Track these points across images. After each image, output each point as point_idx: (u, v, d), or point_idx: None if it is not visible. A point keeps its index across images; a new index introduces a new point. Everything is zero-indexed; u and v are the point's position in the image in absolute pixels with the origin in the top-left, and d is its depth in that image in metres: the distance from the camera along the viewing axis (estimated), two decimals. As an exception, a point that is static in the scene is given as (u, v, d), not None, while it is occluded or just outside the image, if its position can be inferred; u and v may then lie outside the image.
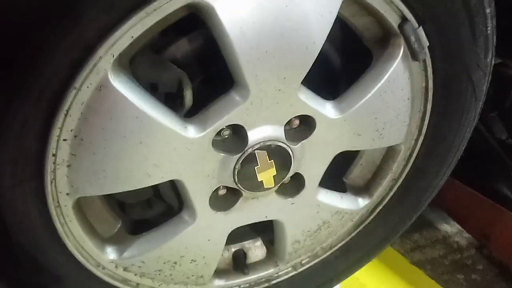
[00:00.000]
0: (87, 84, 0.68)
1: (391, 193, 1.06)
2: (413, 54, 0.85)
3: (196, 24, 0.75)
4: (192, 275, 0.96)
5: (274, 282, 1.09)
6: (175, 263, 0.92)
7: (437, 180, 1.08)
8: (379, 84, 0.85)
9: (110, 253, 0.87)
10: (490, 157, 1.41)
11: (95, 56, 0.66)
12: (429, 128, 0.98)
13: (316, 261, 1.10)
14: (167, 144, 0.76)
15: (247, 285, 1.07)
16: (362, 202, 1.05)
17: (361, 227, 1.09)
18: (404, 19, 0.81)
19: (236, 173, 0.83)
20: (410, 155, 1.01)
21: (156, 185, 0.85)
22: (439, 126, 0.98)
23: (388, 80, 0.85)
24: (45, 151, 0.70)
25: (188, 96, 0.79)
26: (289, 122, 0.84)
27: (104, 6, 0.63)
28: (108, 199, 0.87)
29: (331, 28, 0.76)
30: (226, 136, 0.81)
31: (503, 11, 0.90)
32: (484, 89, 0.96)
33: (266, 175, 0.86)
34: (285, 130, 0.84)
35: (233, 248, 1.08)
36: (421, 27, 0.82)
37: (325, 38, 0.76)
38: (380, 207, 1.08)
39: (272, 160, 0.84)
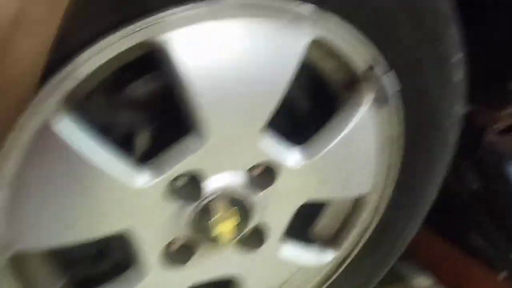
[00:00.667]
0: (28, 126, 0.62)
1: (360, 245, 1.00)
2: (381, 100, 0.82)
3: (158, 64, 0.70)
4: None
5: None
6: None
7: (407, 232, 1.03)
8: (346, 131, 0.81)
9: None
10: (462, 207, 1.38)
11: (36, 97, 0.61)
12: (398, 178, 0.93)
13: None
14: (114, 193, 0.69)
15: None
16: (329, 255, 0.99)
17: (328, 283, 1.02)
18: (373, 64, 0.79)
19: (192, 224, 0.76)
20: (379, 206, 0.96)
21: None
22: (408, 176, 0.94)
23: (355, 126, 0.81)
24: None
25: (142, 141, 0.73)
26: (251, 170, 0.78)
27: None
28: (49, 254, 0.79)
29: (297, 71, 0.73)
30: (182, 185, 0.74)
31: (476, 56, 0.88)
32: (455, 137, 0.93)
33: (225, 226, 0.78)
34: (246, 179, 0.78)
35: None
36: (390, 73, 0.79)
37: (288, 82, 0.71)
38: (348, 260, 1.01)
39: (231, 210, 0.77)
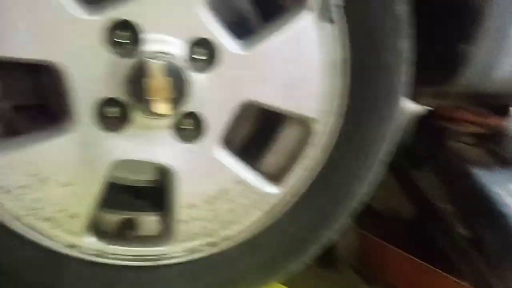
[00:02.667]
0: None
1: (306, 186, 0.98)
2: (323, 12, 0.87)
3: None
4: (63, 210, 0.86)
5: (162, 263, 0.95)
6: (43, 177, 0.82)
7: (359, 179, 1.00)
8: (287, 32, 0.86)
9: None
10: (432, 220, 1.32)
11: None
12: (347, 111, 0.94)
13: (215, 250, 0.98)
14: (52, 14, 0.75)
15: (129, 257, 0.94)
16: (271, 189, 0.97)
17: (270, 222, 0.99)
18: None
19: (127, 82, 0.80)
20: (327, 141, 0.96)
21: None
22: (358, 110, 0.95)
23: (296, 32, 0.86)
24: None
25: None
26: (192, 46, 0.83)
27: None
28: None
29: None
30: (121, 38, 0.79)
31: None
32: (401, 77, 0.94)
33: (157, 92, 0.81)
34: (186, 52, 0.82)
35: (124, 216, 0.97)
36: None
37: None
38: (293, 200, 0.99)
39: (167, 78, 0.81)
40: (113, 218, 0.96)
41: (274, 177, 0.99)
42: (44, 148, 0.82)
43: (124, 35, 0.79)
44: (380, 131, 0.98)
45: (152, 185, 1.00)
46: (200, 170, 0.90)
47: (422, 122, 1.34)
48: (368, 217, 1.28)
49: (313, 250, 1.05)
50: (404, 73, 0.94)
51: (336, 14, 0.88)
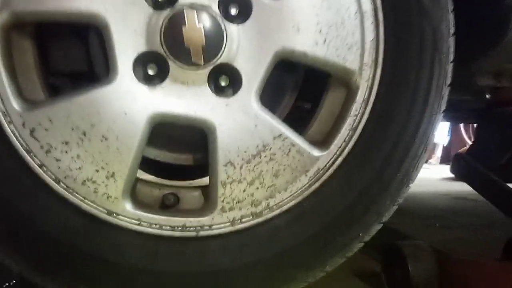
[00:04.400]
0: None
1: (351, 145, 0.92)
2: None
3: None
4: (101, 168, 0.84)
5: (204, 233, 0.89)
6: (84, 134, 0.83)
7: (406, 135, 0.93)
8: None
9: (19, 103, 0.83)
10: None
11: None
12: (386, 62, 0.91)
13: (259, 220, 0.91)
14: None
15: (169, 227, 0.89)
16: (316, 152, 0.92)
17: (316, 185, 0.92)
18: None
19: (163, 31, 0.83)
20: (369, 95, 0.92)
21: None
22: (397, 60, 0.91)
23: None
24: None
25: None
26: (226, 0, 0.85)
27: None
28: (39, 60, 0.88)
29: None
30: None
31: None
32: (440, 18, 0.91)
33: (194, 41, 0.83)
34: (221, 4, 0.85)
35: (166, 191, 0.95)
36: None
37: None
38: (338, 161, 0.92)
39: (201, 26, 0.83)
40: (155, 193, 0.95)
41: (321, 142, 0.95)
42: (84, 99, 0.83)
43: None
44: (422, 78, 0.92)
45: (192, 164, 0.99)
46: (238, 124, 0.88)
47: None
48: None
49: (368, 221, 0.95)
50: (443, 18, 0.92)
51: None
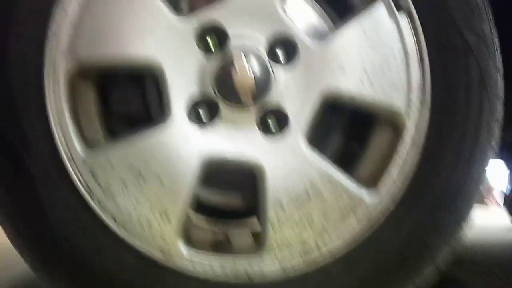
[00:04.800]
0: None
1: (401, 186, 0.92)
2: (394, 1, 0.91)
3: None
4: (155, 209, 0.88)
5: (256, 281, 0.90)
6: (140, 174, 0.87)
7: (457, 175, 0.92)
8: (360, 20, 0.91)
9: (82, 147, 0.89)
10: None
11: None
12: (433, 101, 0.92)
13: (311, 267, 0.91)
14: (152, 17, 0.87)
15: (220, 269, 0.90)
16: (365, 193, 0.92)
17: (367, 227, 0.91)
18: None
19: (214, 75, 0.88)
20: (417, 135, 0.92)
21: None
22: (444, 99, 0.92)
23: (370, 18, 0.91)
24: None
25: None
26: (274, 43, 0.90)
27: None
28: (100, 105, 0.94)
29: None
30: (208, 38, 0.89)
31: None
32: (487, 57, 0.91)
33: (243, 84, 0.87)
34: (269, 49, 0.90)
35: (217, 231, 0.97)
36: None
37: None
38: (388, 202, 0.91)
39: (250, 69, 0.87)
40: (207, 235, 0.97)
41: (369, 184, 0.94)
42: (141, 143, 0.88)
43: (212, 35, 0.89)
44: (471, 116, 0.92)
45: (243, 208, 1.01)
46: (286, 165, 0.90)
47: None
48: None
49: (421, 265, 0.93)
50: (490, 56, 0.92)
51: (405, 3, 0.91)
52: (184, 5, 0.94)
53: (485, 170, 0.95)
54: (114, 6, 0.88)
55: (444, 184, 0.93)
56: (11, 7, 0.88)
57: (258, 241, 0.94)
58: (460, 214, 0.95)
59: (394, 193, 0.92)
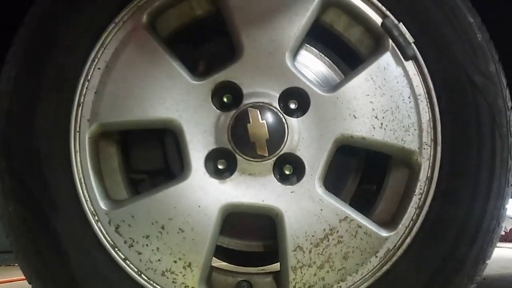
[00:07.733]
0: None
1: (419, 223, 0.93)
2: (401, 50, 0.94)
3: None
4: (179, 259, 0.90)
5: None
6: (163, 227, 0.90)
7: (475, 210, 0.92)
8: (368, 69, 0.94)
9: (105, 203, 0.93)
10: None
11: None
12: (445, 140, 0.94)
13: (332, 305, 0.91)
14: (171, 81, 0.92)
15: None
16: (384, 232, 0.93)
17: (387, 266, 0.92)
18: (384, 16, 0.95)
19: (230, 129, 0.92)
20: (432, 173, 0.94)
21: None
22: (456, 138, 0.94)
23: (377, 66, 0.94)
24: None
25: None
26: (286, 96, 0.93)
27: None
28: (123, 162, 0.98)
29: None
30: (224, 96, 0.94)
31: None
32: (495, 94, 0.93)
33: (258, 136, 0.91)
34: (281, 101, 0.93)
35: (239, 277, 0.99)
36: (401, 23, 0.94)
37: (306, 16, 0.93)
38: (407, 240, 0.92)
39: (264, 122, 0.91)
40: (229, 280, 0.99)
41: (387, 223, 0.96)
42: (162, 196, 0.92)
43: (228, 94, 0.94)
44: (484, 153, 0.93)
45: (264, 250, 1.02)
46: (304, 210, 0.92)
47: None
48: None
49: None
50: (499, 94, 0.94)
51: (411, 50, 0.95)
52: (201, 67, 1.00)
53: (505, 205, 0.96)
54: (134, 72, 0.93)
55: (463, 220, 0.93)
56: (38, 84, 0.94)
57: (279, 281, 0.96)
58: (481, 249, 0.95)
59: (413, 230, 0.94)
